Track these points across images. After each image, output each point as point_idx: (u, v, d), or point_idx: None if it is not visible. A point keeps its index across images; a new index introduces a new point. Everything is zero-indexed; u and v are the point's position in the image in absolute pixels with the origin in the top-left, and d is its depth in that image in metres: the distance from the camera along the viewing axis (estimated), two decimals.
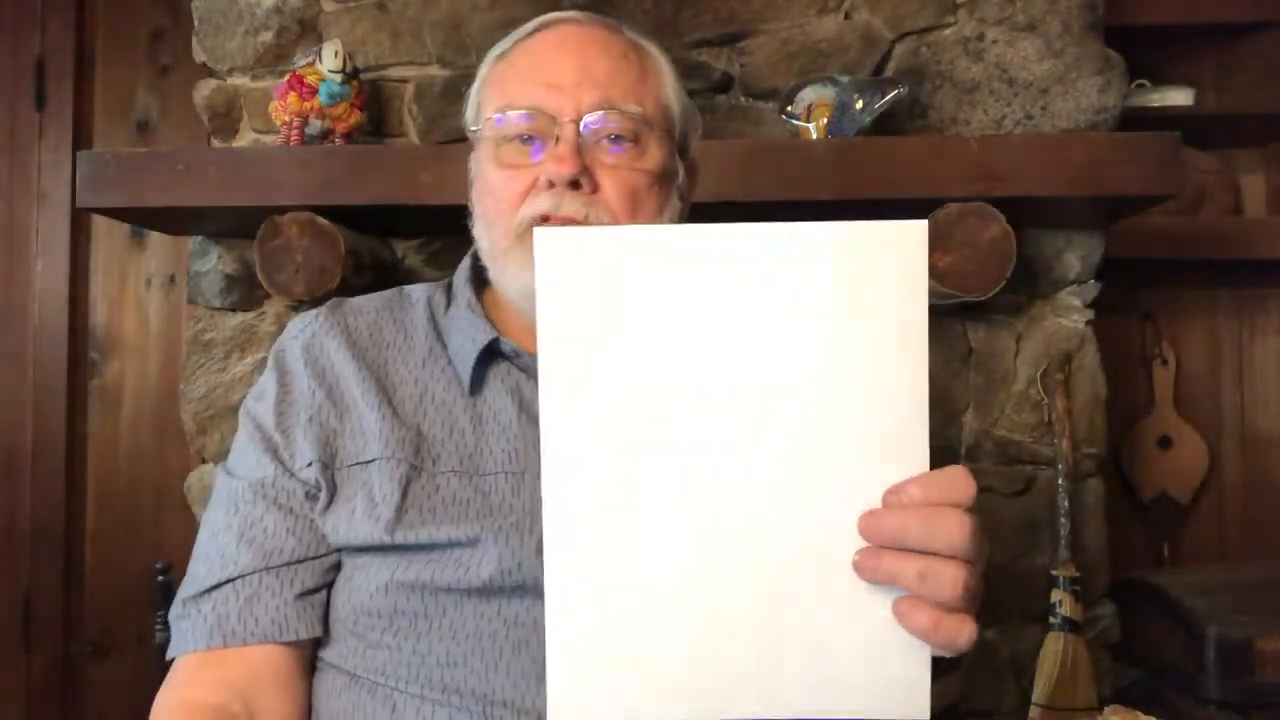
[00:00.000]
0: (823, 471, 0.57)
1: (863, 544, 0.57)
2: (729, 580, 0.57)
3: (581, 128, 0.82)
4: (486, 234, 0.88)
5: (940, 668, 0.60)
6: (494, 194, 0.85)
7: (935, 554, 0.56)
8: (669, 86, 0.89)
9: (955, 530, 0.56)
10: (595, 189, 0.82)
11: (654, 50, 0.90)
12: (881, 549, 0.56)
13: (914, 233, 0.56)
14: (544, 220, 0.81)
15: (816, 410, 0.57)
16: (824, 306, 0.56)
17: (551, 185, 0.81)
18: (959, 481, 0.57)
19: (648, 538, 0.57)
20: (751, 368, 0.56)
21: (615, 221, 0.82)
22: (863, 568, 0.57)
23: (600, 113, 0.82)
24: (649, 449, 0.57)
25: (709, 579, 0.57)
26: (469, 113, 0.91)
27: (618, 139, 0.83)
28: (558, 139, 0.81)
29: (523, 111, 0.83)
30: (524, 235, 0.82)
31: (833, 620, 0.57)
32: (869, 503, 0.57)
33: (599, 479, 0.57)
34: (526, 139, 0.84)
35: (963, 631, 0.56)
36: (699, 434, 0.57)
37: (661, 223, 0.85)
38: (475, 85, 0.91)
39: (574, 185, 0.81)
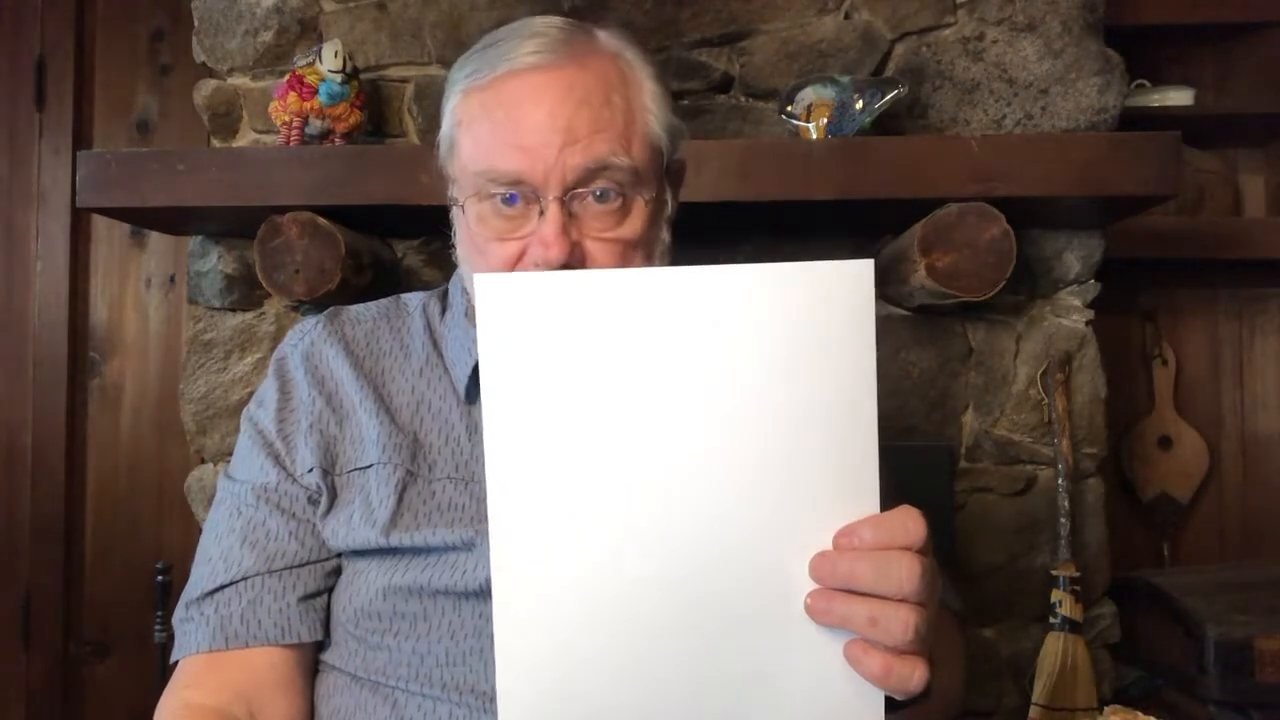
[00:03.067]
0: (773, 514, 0.56)
1: (814, 585, 0.57)
2: (678, 623, 0.57)
3: (567, 199, 0.78)
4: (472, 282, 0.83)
5: (894, 705, 0.59)
6: (483, 257, 0.81)
7: (886, 597, 0.55)
8: (654, 114, 0.82)
9: (906, 573, 0.55)
10: (583, 259, 0.78)
11: (634, 60, 0.83)
12: (833, 592, 0.56)
13: (860, 272, 0.55)
14: None
15: (765, 452, 0.56)
16: (771, 348, 0.56)
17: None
18: (910, 524, 0.57)
19: (595, 582, 0.57)
20: (699, 410, 0.56)
21: None
22: (815, 610, 0.56)
23: (587, 180, 0.78)
24: (596, 492, 0.56)
25: (658, 622, 0.57)
26: (443, 147, 0.86)
27: (604, 194, 0.79)
28: (542, 212, 0.77)
29: (505, 185, 0.78)
30: None
31: (785, 662, 0.57)
32: (820, 544, 0.56)
33: (546, 524, 0.56)
34: (509, 198, 0.79)
35: (915, 674, 0.56)
36: (646, 477, 0.56)
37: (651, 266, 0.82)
38: (447, 115, 0.85)
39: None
